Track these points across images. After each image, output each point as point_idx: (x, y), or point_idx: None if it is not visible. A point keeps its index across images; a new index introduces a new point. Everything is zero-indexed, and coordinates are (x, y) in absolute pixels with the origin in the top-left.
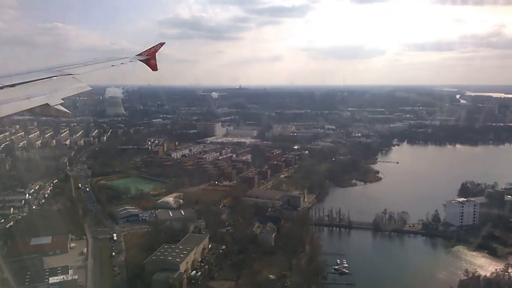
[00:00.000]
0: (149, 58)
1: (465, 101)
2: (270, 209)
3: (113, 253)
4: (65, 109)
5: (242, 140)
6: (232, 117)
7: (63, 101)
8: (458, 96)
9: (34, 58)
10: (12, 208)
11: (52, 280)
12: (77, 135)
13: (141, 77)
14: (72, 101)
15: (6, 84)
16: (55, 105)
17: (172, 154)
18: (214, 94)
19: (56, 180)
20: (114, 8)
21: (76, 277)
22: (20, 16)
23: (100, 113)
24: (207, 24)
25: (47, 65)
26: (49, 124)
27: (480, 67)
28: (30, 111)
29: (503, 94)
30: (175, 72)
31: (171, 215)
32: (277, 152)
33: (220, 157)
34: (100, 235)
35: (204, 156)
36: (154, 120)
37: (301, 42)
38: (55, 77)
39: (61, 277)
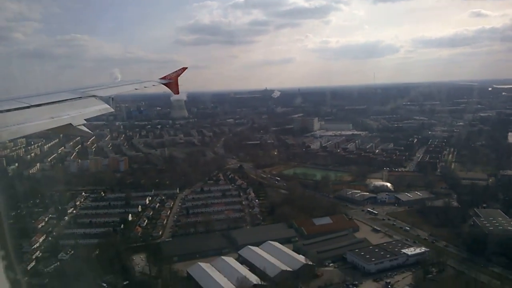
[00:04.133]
0: (172, 82)
1: (506, 93)
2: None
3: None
4: (87, 130)
5: (349, 132)
6: (303, 114)
7: (85, 122)
8: (490, 89)
9: (49, 70)
10: None
11: (407, 252)
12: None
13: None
14: (136, 106)
15: (32, 104)
16: (78, 125)
17: (311, 146)
18: (276, 94)
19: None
20: (131, 17)
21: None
22: (41, 28)
23: (164, 116)
24: (226, 28)
25: (68, 83)
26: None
27: (488, 62)
28: (54, 130)
29: None
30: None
31: (411, 196)
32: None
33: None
34: (354, 216)
35: (347, 147)
36: (228, 121)
37: (316, 42)
38: (80, 98)
39: (412, 249)
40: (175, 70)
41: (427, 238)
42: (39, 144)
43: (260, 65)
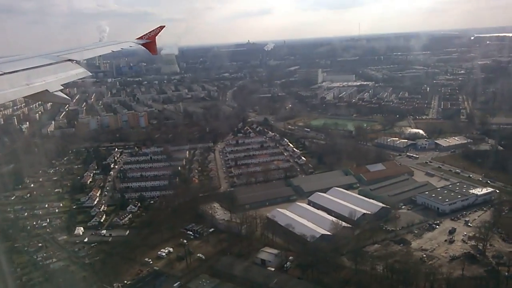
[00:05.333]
0: (149, 42)
1: (490, 42)
2: None
3: None
4: (64, 95)
5: (356, 83)
6: (299, 66)
7: (62, 87)
8: (472, 38)
9: (18, 27)
10: None
11: (476, 192)
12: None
13: None
14: (126, 62)
15: (6, 71)
16: (55, 91)
17: (326, 97)
18: (269, 47)
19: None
20: None
21: None
22: None
23: (154, 71)
24: None
25: (39, 41)
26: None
27: (467, 10)
28: (30, 97)
29: (506, 33)
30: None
31: (450, 142)
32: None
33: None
34: (401, 162)
35: (363, 97)
36: (224, 75)
37: None
38: (55, 63)
39: (479, 189)
40: (152, 29)
41: (481, 179)
42: (40, 102)
43: (237, 17)
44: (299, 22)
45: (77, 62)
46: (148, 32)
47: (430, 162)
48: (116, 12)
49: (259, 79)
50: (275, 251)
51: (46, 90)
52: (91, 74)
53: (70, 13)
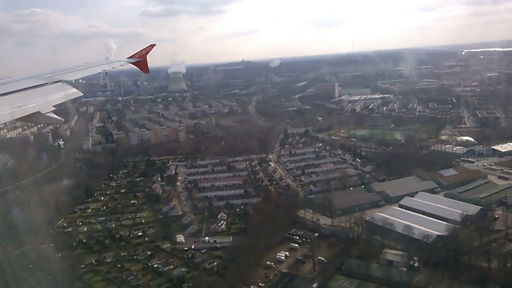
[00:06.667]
0: (141, 60)
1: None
2: None
3: None
4: (57, 117)
5: (375, 96)
6: (306, 82)
7: (54, 109)
8: (463, 53)
9: (9, 48)
10: None
11: None
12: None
13: None
14: (133, 81)
15: None
16: (46, 112)
17: (356, 110)
18: (274, 63)
19: None
20: None
21: None
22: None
23: (161, 89)
24: None
25: (30, 62)
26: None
27: (452, 27)
28: (22, 119)
29: (498, 48)
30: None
31: (508, 148)
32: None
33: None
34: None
35: (393, 108)
36: (235, 91)
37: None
38: (47, 85)
39: None
40: (143, 48)
41: None
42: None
43: (228, 37)
44: (289, 40)
45: (69, 83)
46: (139, 51)
47: (492, 166)
48: (107, 33)
49: (273, 94)
50: (399, 252)
51: (38, 111)
52: (83, 94)
53: (61, 35)
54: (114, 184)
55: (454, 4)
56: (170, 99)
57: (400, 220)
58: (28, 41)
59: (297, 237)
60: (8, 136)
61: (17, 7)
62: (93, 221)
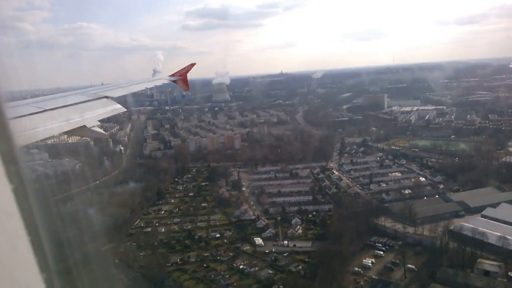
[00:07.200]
0: (181, 78)
1: None
2: None
3: None
4: (101, 131)
5: (428, 107)
6: (350, 93)
7: (99, 123)
8: (511, 66)
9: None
10: None
11: None
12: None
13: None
14: (178, 91)
15: (47, 108)
16: (92, 126)
17: (412, 121)
18: (317, 75)
19: None
20: (139, 4)
21: None
22: (49, 18)
23: (206, 99)
24: (234, 12)
25: (75, 74)
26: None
27: (495, 40)
28: (69, 132)
29: None
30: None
31: None
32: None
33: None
34: None
35: (451, 119)
36: (279, 101)
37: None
38: (92, 100)
39: None
40: (184, 67)
41: None
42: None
43: (265, 49)
44: (326, 53)
45: (114, 99)
46: (180, 70)
47: None
48: (147, 46)
49: (318, 104)
50: (496, 263)
51: (84, 125)
52: (126, 109)
53: (105, 47)
54: (181, 188)
55: (496, 17)
56: (217, 108)
57: (490, 231)
58: (74, 53)
59: (380, 245)
60: (69, 141)
61: (66, 21)
62: (168, 222)
